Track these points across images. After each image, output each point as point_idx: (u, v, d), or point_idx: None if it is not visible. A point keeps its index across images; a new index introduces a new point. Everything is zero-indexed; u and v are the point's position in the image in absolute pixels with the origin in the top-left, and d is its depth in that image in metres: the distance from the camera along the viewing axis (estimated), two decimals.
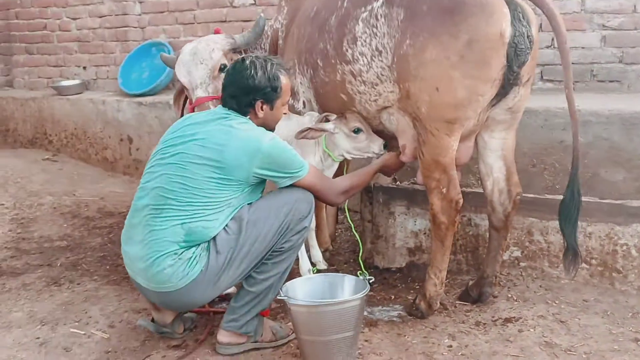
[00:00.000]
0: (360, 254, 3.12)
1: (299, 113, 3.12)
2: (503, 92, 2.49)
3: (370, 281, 2.31)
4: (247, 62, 2.38)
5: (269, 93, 2.38)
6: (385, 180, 3.37)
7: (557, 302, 2.85)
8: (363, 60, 2.65)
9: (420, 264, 3.27)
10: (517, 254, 3.13)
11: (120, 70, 5.40)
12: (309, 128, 2.76)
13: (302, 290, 2.37)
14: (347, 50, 2.71)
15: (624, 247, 2.92)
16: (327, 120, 2.84)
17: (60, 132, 5.68)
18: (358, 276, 2.38)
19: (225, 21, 5.05)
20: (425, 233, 3.26)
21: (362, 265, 3.01)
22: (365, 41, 2.63)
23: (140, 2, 5.48)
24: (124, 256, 2.40)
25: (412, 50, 2.45)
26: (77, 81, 5.75)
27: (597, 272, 2.99)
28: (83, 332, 2.68)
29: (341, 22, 2.75)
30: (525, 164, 3.59)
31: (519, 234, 3.11)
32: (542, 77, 4.11)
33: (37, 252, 3.70)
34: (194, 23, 5.25)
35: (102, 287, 3.17)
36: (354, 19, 2.68)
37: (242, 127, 2.33)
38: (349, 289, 2.37)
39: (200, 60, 3.04)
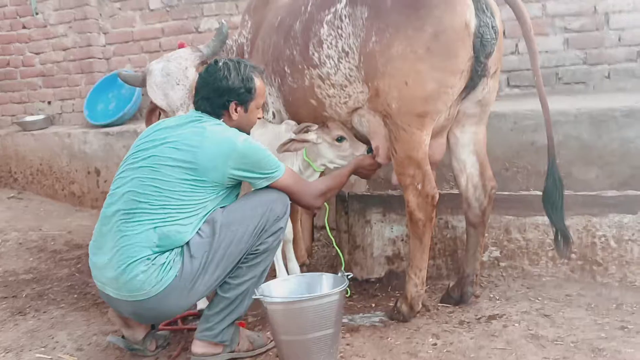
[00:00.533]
0: (343, 269, 3.05)
1: None
2: (472, 84, 2.48)
3: (349, 277, 2.23)
4: (220, 64, 2.33)
5: (243, 94, 2.33)
6: (360, 189, 3.33)
7: (540, 298, 2.80)
8: (330, 63, 2.63)
9: (400, 272, 3.20)
10: (497, 254, 3.09)
11: (85, 102, 5.30)
12: (292, 140, 2.70)
13: (279, 291, 2.28)
14: (313, 54, 2.68)
15: (602, 239, 2.90)
16: (308, 131, 2.78)
17: (26, 169, 5.53)
18: (336, 273, 2.30)
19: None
20: (402, 240, 3.20)
21: None
22: (331, 43, 2.61)
23: (105, 33, 5.45)
24: (92, 268, 2.28)
25: (378, 47, 2.44)
26: (41, 116, 5.63)
27: (577, 266, 2.95)
28: (50, 357, 2.54)
29: (306, 26, 2.73)
30: (498, 167, 3.58)
31: (497, 233, 3.08)
32: (508, 83, 4.17)
33: (1, 286, 3.53)
34: (159, 51, 5.21)
35: (70, 314, 3.02)
36: (319, 22, 2.66)
37: (216, 129, 2.27)
38: (327, 286, 2.28)
39: (176, 81, 2.96)
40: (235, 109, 2.34)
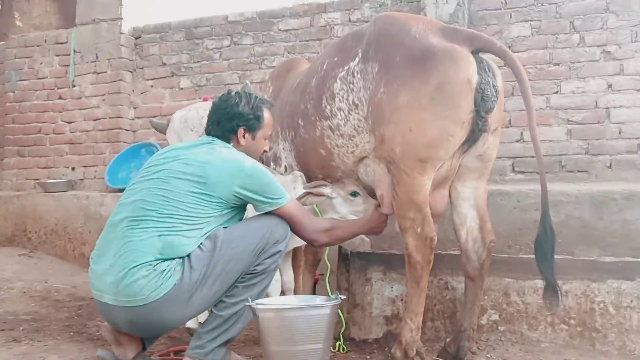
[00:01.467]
0: (342, 329, 3.07)
1: None
2: (473, 137, 2.63)
3: (342, 298, 2.25)
4: (233, 93, 2.55)
5: (252, 121, 2.51)
6: (363, 247, 3.38)
7: None
8: (341, 115, 2.82)
9: (397, 334, 3.17)
10: (495, 317, 3.07)
11: (108, 169, 5.53)
12: (308, 192, 2.82)
13: (272, 303, 2.30)
14: (325, 107, 2.88)
15: (601, 305, 2.90)
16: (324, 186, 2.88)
17: (40, 229, 5.66)
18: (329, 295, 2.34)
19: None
20: (402, 299, 3.22)
21: (342, 340, 2.98)
22: (342, 97, 2.81)
23: (135, 108, 5.79)
24: (91, 276, 2.35)
25: (386, 97, 2.63)
26: (63, 180, 5.85)
27: (576, 332, 2.93)
28: None
29: (321, 82, 2.95)
30: (501, 244, 3.64)
31: (496, 295, 3.08)
32: (513, 168, 4.31)
33: None
34: None
35: (64, 344, 3.02)
36: (333, 78, 2.88)
37: (226, 150, 2.43)
38: (320, 302, 2.30)
39: (191, 127, 3.19)
40: (244, 135, 2.51)
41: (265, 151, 2.69)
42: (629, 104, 4.04)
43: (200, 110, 3.29)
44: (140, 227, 2.24)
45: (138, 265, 2.18)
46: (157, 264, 2.20)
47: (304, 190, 2.85)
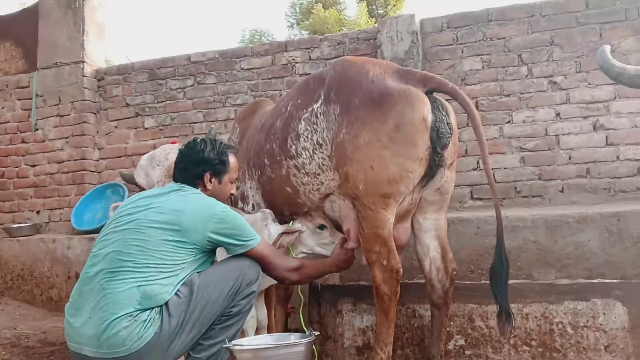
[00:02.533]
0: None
1: None
2: (431, 172, 2.78)
3: (316, 334, 2.35)
4: (198, 140, 2.65)
5: (217, 166, 2.61)
6: (332, 280, 3.49)
7: None
8: (306, 154, 2.94)
9: None
10: (462, 342, 3.20)
11: (74, 210, 5.51)
12: (282, 234, 2.91)
13: (249, 343, 2.38)
14: (291, 147, 3.01)
15: (560, 326, 3.06)
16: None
17: (6, 275, 5.58)
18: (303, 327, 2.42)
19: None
20: (372, 329, 3.32)
21: None
22: (307, 137, 2.94)
23: (100, 149, 5.82)
24: (68, 329, 2.35)
25: (348, 137, 2.76)
26: (28, 223, 5.81)
27: (538, 353, 3.07)
28: None
29: (286, 123, 3.08)
30: (464, 270, 3.79)
31: (461, 321, 3.21)
32: (472, 196, 4.49)
33: None
34: None
35: None
36: (297, 119, 3.01)
37: (197, 196, 2.51)
38: (295, 340, 2.38)
39: (157, 162, 3.29)
40: (210, 179, 2.61)
41: (232, 194, 2.79)
42: (576, 131, 4.28)
43: (167, 148, 3.40)
44: (118, 279, 2.28)
45: (119, 317, 2.21)
46: (137, 315, 2.24)
47: (279, 233, 2.95)
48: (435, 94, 2.82)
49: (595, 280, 3.17)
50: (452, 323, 3.17)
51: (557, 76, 4.38)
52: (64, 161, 5.81)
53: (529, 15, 4.46)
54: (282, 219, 3.14)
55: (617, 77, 2.45)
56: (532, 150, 4.38)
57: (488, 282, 3.32)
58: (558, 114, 4.34)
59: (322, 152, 2.88)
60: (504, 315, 2.68)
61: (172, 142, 3.63)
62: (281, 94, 5.09)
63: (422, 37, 4.68)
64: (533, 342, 3.08)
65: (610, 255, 3.53)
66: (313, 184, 2.95)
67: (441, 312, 2.91)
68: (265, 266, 2.56)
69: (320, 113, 2.92)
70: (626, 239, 3.49)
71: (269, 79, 5.26)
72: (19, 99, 6.05)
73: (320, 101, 2.94)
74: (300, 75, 5.08)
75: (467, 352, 3.19)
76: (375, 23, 11.90)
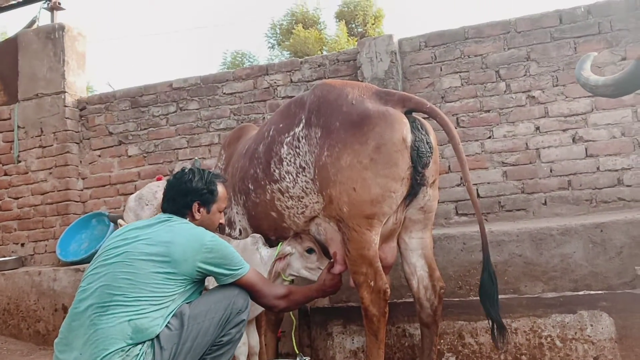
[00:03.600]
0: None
1: None
2: (413, 191, 2.80)
3: (306, 359, 2.34)
4: (187, 170, 2.65)
5: (205, 195, 2.61)
6: (322, 302, 3.48)
7: None
8: (289, 178, 2.95)
9: None
10: (452, 359, 3.20)
11: (59, 241, 5.46)
12: (275, 260, 2.91)
13: None
14: (274, 171, 3.02)
15: (548, 339, 3.07)
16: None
17: None
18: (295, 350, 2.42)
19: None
20: (363, 351, 3.31)
21: None
22: (290, 161, 2.96)
23: (83, 178, 5.79)
24: None
25: (330, 159, 2.78)
26: (13, 257, 5.74)
27: None
28: None
29: (268, 148, 3.09)
30: (452, 286, 3.80)
31: (451, 338, 3.22)
32: (457, 212, 4.52)
33: None
34: (134, 192, 5.53)
35: None
36: (279, 143, 3.03)
37: (185, 226, 2.50)
38: None
39: (146, 202, 3.28)
40: (198, 209, 2.60)
41: (221, 224, 2.78)
42: (556, 144, 4.34)
43: (153, 187, 3.39)
44: (109, 314, 2.25)
45: (111, 352, 2.18)
46: (129, 349, 2.22)
47: (269, 256, 2.94)
48: (414, 114, 2.85)
49: (581, 293, 3.20)
50: (442, 341, 3.18)
51: (534, 90, 4.44)
52: (47, 192, 5.78)
53: (505, 32, 4.54)
54: (269, 243, 3.14)
55: (584, 86, 2.52)
56: (513, 165, 4.43)
57: (476, 298, 3.37)
58: (538, 128, 4.40)
59: (305, 176, 2.89)
60: (498, 327, 2.69)
61: (158, 179, 3.64)
62: (264, 118, 5.12)
63: (400, 56, 4.74)
64: (523, 357, 3.09)
65: (594, 266, 3.56)
66: (297, 208, 2.96)
67: (431, 331, 2.91)
68: (254, 294, 2.55)
69: (302, 137, 2.93)
70: (610, 249, 3.52)
71: (252, 102, 5.29)
72: (0, 131, 6.01)
73: (301, 125, 2.96)
74: (283, 98, 5.12)
75: None
76: (355, 42, 12.03)
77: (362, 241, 2.73)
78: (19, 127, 5.93)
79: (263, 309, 2.94)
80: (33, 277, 5.36)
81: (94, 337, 2.22)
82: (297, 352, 3.15)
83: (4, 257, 5.83)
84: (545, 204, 4.32)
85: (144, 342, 2.26)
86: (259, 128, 3.67)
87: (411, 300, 3.12)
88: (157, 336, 2.29)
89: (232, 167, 3.51)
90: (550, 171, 4.35)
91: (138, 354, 2.23)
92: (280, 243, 3.02)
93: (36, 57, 5.92)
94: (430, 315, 2.91)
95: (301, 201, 2.94)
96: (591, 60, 2.56)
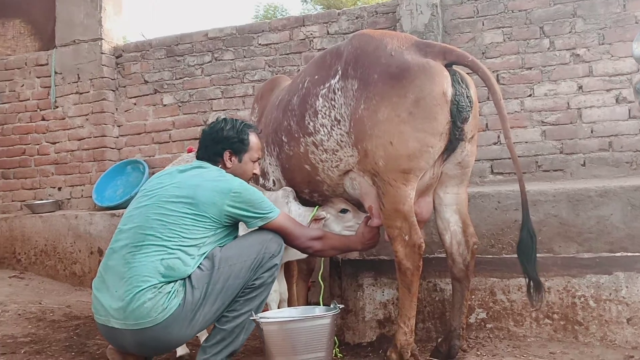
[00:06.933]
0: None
1: None
2: (451, 146, 2.76)
3: (341, 307, 2.38)
4: (221, 119, 2.67)
5: (237, 144, 2.64)
6: (352, 254, 3.51)
7: (525, 355, 2.90)
8: (324, 131, 2.93)
9: (391, 336, 3.30)
10: (483, 315, 3.21)
11: (95, 187, 5.59)
12: (311, 222, 2.90)
13: (274, 316, 2.42)
14: (309, 124, 2.99)
15: (582, 299, 3.05)
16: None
17: (30, 250, 5.69)
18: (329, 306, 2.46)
19: (198, 138, 5.39)
20: (393, 303, 3.34)
21: (336, 344, 3.05)
22: (325, 113, 2.92)
23: (119, 126, 5.86)
24: (95, 303, 2.42)
25: (366, 112, 2.74)
26: (50, 200, 5.89)
27: (560, 326, 3.07)
28: None
29: (303, 100, 3.06)
30: (485, 244, 3.77)
31: (483, 294, 3.22)
32: (492, 170, 4.47)
33: None
34: (169, 142, 5.61)
35: None
36: (314, 95, 2.99)
37: (215, 172, 2.54)
38: (320, 313, 2.42)
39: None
40: (230, 158, 2.64)
41: (254, 174, 2.80)
42: (599, 104, 4.22)
43: (186, 158, 3.43)
44: (142, 252, 2.34)
45: (143, 289, 2.28)
46: (161, 286, 2.30)
47: (299, 212, 2.96)
48: (455, 67, 2.78)
49: (618, 254, 3.15)
50: (473, 297, 3.18)
51: (579, 49, 4.30)
52: (84, 138, 5.88)
53: None
54: (302, 197, 3.16)
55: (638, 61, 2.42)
56: (553, 124, 4.33)
57: (509, 256, 3.36)
58: (580, 87, 4.28)
59: (341, 129, 2.86)
60: (534, 285, 2.68)
61: (188, 151, 3.68)
62: (299, 70, 5.07)
63: (442, 9, 4.61)
64: (555, 316, 3.08)
65: (632, 229, 3.48)
66: (332, 161, 2.95)
67: (462, 286, 2.91)
68: (286, 237, 2.59)
69: (338, 89, 2.89)
70: None
71: (287, 54, 5.24)
72: (38, 77, 6.09)
73: (337, 76, 2.91)
74: (318, 50, 5.06)
75: (489, 326, 3.20)
76: None
77: (397, 195, 2.71)
78: (56, 73, 5.99)
79: (292, 257, 2.97)
80: (70, 220, 5.51)
81: (128, 275, 2.32)
82: (322, 301, 3.19)
83: (42, 200, 5.99)
84: (584, 165, 4.24)
85: (176, 280, 2.34)
86: (292, 80, 3.63)
87: (443, 255, 3.12)
88: (189, 276, 2.36)
89: (264, 119, 3.50)
90: (591, 132, 4.24)
91: (170, 292, 2.30)
92: (317, 207, 3.02)
93: (73, 2, 5.93)
94: (463, 270, 2.90)
95: (335, 154, 2.92)
96: None
